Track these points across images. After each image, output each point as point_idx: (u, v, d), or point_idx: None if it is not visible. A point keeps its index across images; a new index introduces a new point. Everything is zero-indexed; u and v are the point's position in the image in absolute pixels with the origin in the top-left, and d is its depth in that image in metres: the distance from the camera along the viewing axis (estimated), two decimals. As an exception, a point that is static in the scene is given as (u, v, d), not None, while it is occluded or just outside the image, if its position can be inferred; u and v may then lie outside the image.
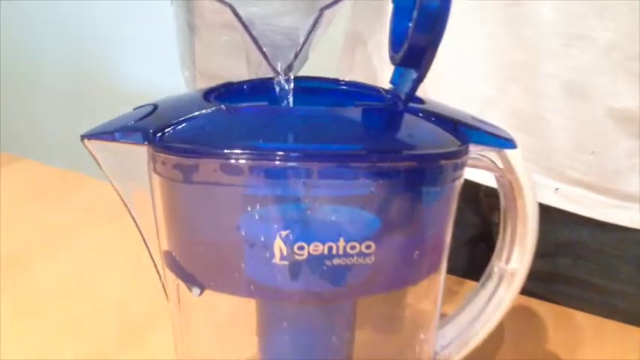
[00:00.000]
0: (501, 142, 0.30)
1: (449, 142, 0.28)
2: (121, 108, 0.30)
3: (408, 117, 0.28)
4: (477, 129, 0.29)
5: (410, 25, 0.24)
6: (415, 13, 0.24)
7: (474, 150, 0.29)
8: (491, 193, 0.53)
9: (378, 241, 0.26)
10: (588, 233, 0.51)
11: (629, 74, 0.44)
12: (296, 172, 0.25)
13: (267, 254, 0.25)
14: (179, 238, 0.28)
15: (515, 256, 0.33)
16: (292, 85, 0.30)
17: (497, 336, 0.39)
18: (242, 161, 0.24)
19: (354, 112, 0.29)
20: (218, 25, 0.36)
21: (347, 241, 0.25)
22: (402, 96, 0.27)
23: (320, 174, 0.25)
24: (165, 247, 0.29)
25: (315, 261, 0.25)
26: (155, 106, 0.28)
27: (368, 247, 0.25)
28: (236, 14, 0.27)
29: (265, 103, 0.31)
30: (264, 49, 0.28)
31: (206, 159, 0.25)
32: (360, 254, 0.25)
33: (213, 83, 0.31)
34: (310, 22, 0.28)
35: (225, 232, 0.27)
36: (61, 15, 1.51)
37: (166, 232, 0.28)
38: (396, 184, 0.26)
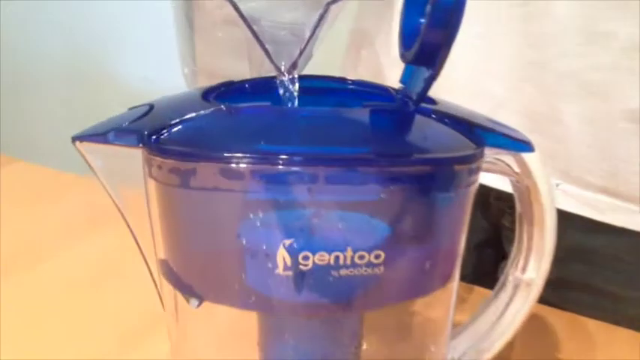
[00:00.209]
0: (518, 145, 0.30)
1: (463, 145, 0.27)
2: (121, 109, 0.29)
3: (419, 118, 0.28)
4: (493, 131, 0.29)
5: (422, 20, 0.24)
6: (429, 8, 0.23)
7: (489, 153, 0.28)
8: (501, 197, 0.53)
9: (387, 250, 0.25)
10: (603, 239, 0.50)
11: None
12: (300, 176, 0.24)
13: (270, 264, 0.25)
14: (176, 246, 0.28)
15: (532, 265, 0.33)
16: (297, 84, 0.29)
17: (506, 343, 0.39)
18: (243, 165, 0.24)
19: (362, 113, 0.28)
20: (219, 20, 0.36)
21: (355, 251, 0.24)
22: (414, 96, 0.27)
23: (326, 179, 0.24)
24: (161, 255, 0.28)
25: (320, 271, 0.24)
26: (151, 107, 0.28)
27: (377, 256, 0.25)
28: (237, 9, 0.27)
29: (268, 104, 0.31)
30: (267, 46, 0.28)
31: (204, 163, 0.24)
32: (369, 264, 0.25)
33: (214, 81, 0.31)
34: (316, 17, 0.28)
35: (224, 241, 0.26)
36: (60, 15, 1.52)
37: (162, 239, 0.28)
38: (407, 190, 0.25)
